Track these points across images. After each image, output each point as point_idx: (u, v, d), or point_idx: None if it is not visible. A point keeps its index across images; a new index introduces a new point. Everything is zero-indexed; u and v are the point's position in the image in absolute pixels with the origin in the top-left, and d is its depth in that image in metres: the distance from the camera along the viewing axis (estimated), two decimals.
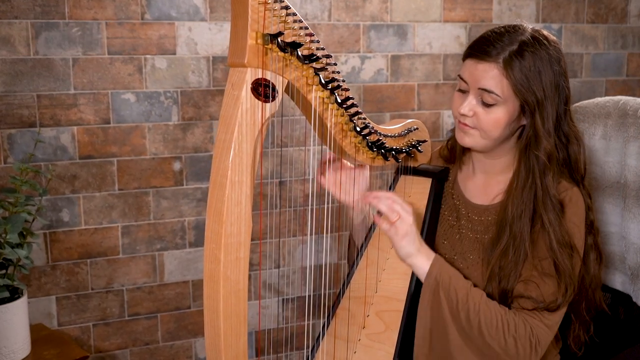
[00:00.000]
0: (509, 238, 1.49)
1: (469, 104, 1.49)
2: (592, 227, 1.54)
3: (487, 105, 1.47)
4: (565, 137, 1.52)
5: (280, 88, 1.25)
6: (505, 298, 1.50)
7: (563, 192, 1.50)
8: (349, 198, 1.66)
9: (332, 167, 1.64)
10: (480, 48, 1.48)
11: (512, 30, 1.49)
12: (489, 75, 1.45)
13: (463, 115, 1.50)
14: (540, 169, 1.48)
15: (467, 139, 1.53)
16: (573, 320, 1.60)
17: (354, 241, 1.77)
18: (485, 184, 1.62)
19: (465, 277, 1.52)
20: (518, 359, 1.45)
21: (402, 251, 1.49)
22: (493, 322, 1.44)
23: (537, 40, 1.47)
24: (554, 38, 1.51)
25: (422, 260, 1.49)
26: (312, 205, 1.51)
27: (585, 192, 1.54)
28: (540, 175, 1.48)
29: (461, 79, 1.51)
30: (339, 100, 1.37)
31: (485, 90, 1.46)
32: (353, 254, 1.76)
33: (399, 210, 1.47)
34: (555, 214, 1.47)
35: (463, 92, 1.52)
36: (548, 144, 1.47)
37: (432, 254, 1.51)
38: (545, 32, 1.51)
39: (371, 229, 1.68)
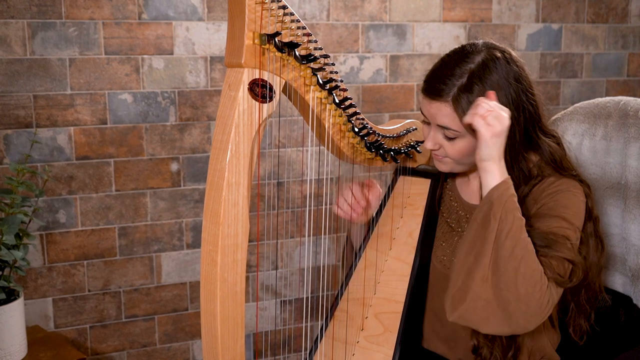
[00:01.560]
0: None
1: (433, 139, 1.50)
2: (591, 215, 1.53)
3: (449, 138, 1.48)
4: (540, 149, 1.50)
5: (277, 88, 1.25)
6: None
7: (555, 183, 1.48)
8: (359, 216, 1.66)
9: (351, 196, 1.63)
10: (431, 87, 1.46)
11: (461, 58, 1.45)
12: (442, 113, 1.45)
13: (431, 149, 1.52)
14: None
15: (443, 167, 1.55)
16: (573, 308, 1.58)
17: (352, 243, 1.75)
18: (479, 186, 1.61)
19: None
20: (538, 311, 1.36)
21: (485, 151, 1.38)
22: (533, 266, 1.35)
23: (486, 66, 1.43)
24: (509, 52, 1.47)
25: (497, 172, 1.39)
26: (310, 206, 1.50)
27: (585, 184, 1.52)
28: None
29: (422, 113, 1.52)
30: (337, 101, 1.37)
31: (443, 127, 1.46)
32: (349, 257, 1.75)
33: (498, 110, 1.37)
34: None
35: (428, 124, 1.52)
36: (515, 168, 1.46)
37: (507, 174, 1.41)
38: (496, 52, 1.46)
39: (369, 230, 1.68)
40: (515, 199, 1.39)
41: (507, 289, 1.34)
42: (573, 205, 1.47)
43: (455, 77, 1.43)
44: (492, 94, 1.41)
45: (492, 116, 1.36)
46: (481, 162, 1.40)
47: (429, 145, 1.50)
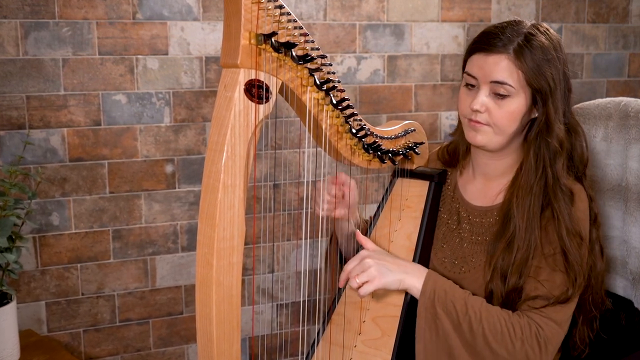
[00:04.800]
0: (513, 232, 1.47)
1: (481, 99, 1.47)
2: (595, 221, 1.53)
3: (500, 97, 1.46)
4: (569, 128, 1.52)
5: (274, 89, 1.24)
6: (512, 296, 1.47)
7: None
8: (342, 211, 1.64)
9: (326, 194, 1.62)
10: (487, 41, 1.47)
11: (514, 24, 1.49)
12: (500, 66, 1.44)
13: (475, 111, 1.47)
14: (550, 156, 1.47)
15: (479, 137, 1.50)
16: (577, 317, 1.57)
17: (337, 240, 1.72)
18: (485, 187, 1.60)
19: (461, 287, 1.50)
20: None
21: (391, 285, 1.46)
22: (497, 327, 1.42)
23: (539, 30, 1.48)
24: (554, 31, 1.52)
25: (414, 281, 1.46)
26: (306, 208, 1.48)
27: (587, 185, 1.53)
28: (550, 162, 1.47)
29: (469, 75, 1.49)
30: (334, 102, 1.36)
31: (498, 82, 1.45)
32: (334, 256, 1.73)
33: (358, 270, 1.44)
34: (565, 203, 1.46)
35: (471, 89, 1.50)
36: (560, 130, 1.47)
37: (424, 271, 1.48)
38: (545, 24, 1.51)
39: (366, 233, 1.66)
40: (442, 285, 1.46)
41: (493, 358, 1.42)
42: (582, 220, 1.49)
43: (511, 34, 1.45)
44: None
45: (364, 275, 1.43)
46: (398, 289, 1.47)
47: (476, 106, 1.47)
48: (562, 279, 1.44)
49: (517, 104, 1.45)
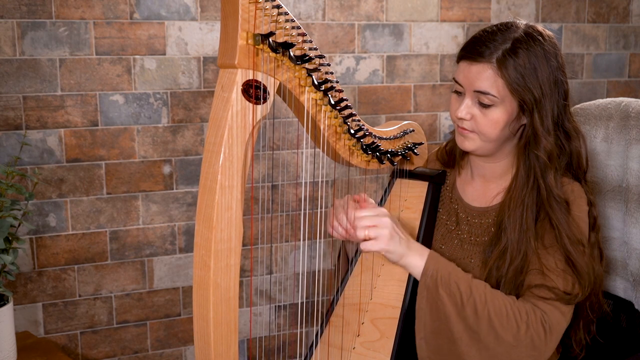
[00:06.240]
0: (506, 244, 1.46)
1: (466, 107, 1.47)
2: (595, 224, 1.52)
3: (484, 106, 1.45)
4: (567, 133, 1.50)
5: (271, 89, 1.23)
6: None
7: (564, 187, 1.48)
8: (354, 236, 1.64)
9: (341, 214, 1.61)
10: (472, 49, 1.46)
11: (504, 29, 1.47)
12: (483, 76, 1.44)
13: (460, 119, 1.48)
14: (540, 168, 1.46)
15: (467, 143, 1.51)
16: (574, 320, 1.56)
17: (346, 252, 1.72)
18: (484, 188, 1.60)
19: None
20: (533, 347, 1.40)
21: (393, 255, 1.43)
22: (502, 310, 1.39)
23: (530, 36, 1.45)
24: (549, 33, 1.50)
25: (416, 259, 1.44)
26: (305, 209, 1.48)
27: (587, 188, 1.53)
28: (541, 174, 1.46)
29: (456, 82, 1.49)
30: (333, 102, 1.35)
31: (481, 92, 1.44)
32: (344, 266, 1.72)
33: (371, 222, 1.42)
34: (562, 213, 1.45)
35: (459, 95, 1.50)
36: (547, 142, 1.45)
37: (426, 251, 1.46)
38: (539, 27, 1.49)
39: None
40: (446, 266, 1.43)
41: (496, 345, 1.39)
42: (582, 221, 1.48)
43: (498, 41, 1.44)
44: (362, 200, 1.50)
45: (375, 230, 1.41)
46: (397, 263, 1.45)
47: (461, 114, 1.47)
48: (574, 281, 1.44)
49: (501, 113, 1.45)
